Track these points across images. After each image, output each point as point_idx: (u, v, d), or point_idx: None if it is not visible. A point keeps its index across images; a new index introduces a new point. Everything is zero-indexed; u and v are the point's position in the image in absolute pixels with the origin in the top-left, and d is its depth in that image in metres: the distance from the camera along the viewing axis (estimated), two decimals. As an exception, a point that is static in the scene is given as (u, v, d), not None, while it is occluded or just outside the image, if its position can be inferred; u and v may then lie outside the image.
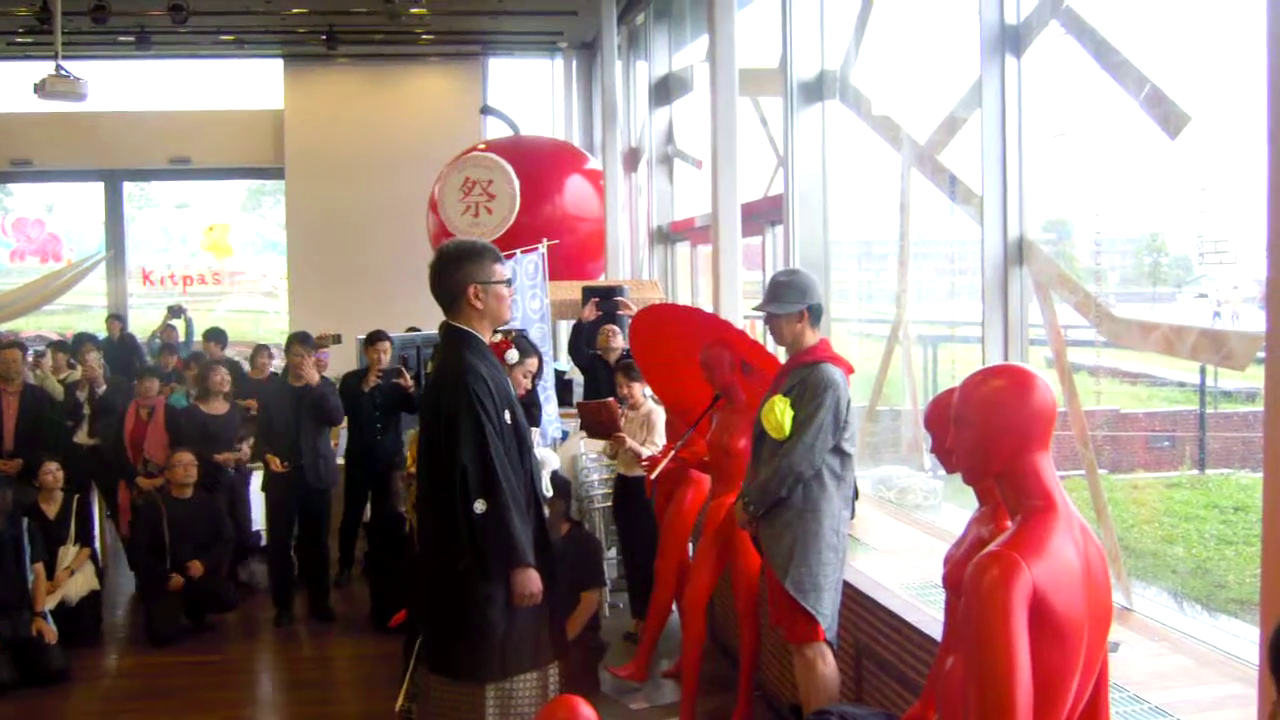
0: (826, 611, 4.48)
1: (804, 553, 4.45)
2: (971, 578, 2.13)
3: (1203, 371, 6.32)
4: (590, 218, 12.35)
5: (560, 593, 4.43)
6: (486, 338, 4.13)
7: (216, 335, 10.48)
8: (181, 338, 12.29)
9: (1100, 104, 5.21)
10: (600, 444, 7.39)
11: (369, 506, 8.53)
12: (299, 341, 7.81)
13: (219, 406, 8.23)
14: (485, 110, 15.33)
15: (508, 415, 4.01)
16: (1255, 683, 3.42)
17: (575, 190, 12.65)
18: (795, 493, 4.46)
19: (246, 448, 8.20)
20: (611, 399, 6.75)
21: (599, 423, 6.52)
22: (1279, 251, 2.89)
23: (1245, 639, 4.30)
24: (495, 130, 15.30)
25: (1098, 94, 5.09)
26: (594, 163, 13.06)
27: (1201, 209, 4.29)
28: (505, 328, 7.44)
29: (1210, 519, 6.06)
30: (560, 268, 10.32)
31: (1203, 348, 4.38)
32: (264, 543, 8.35)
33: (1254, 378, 5.52)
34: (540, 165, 12.52)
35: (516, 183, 10.83)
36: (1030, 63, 5.43)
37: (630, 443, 6.42)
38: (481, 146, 12.99)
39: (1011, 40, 5.45)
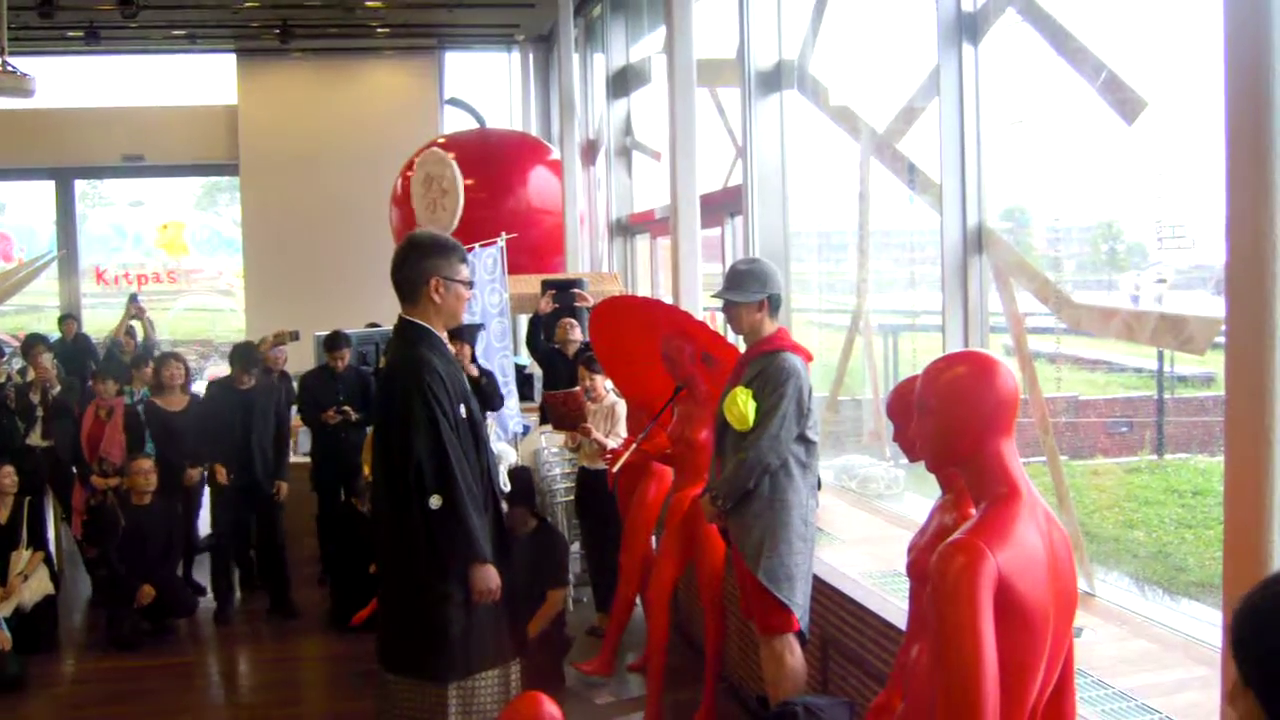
0: (799, 601, 4.46)
1: (774, 543, 4.43)
2: (937, 566, 2.12)
3: (1160, 357, 6.37)
4: (555, 210, 12.27)
5: (524, 590, 4.37)
6: (440, 335, 4.06)
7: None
8: (140, 338, 12.07)
9: (1058, 91, 5.22)
10: (562, 437, 7.35)
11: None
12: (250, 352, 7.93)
13: (177, 401, 8.06)
14: (451, 102, 15.23)
15: (463, 409, 3.94)
16: (1217, 665, 3.44)
17: (539, 183, 12.57)
18: (763, 483, 4.44)
19: (194, 472, 7.92)
20: (578, 389, 6.71)
21: (565, 414, 6.49)
22: (1238, 236, 2.90)
23: (1206, 622, 4.33)
24: (456, 123, 15.18)
25: (1055, 81, 5.10)
26: (558, 155, 12.98)
27: (1159, 194, 4.30)
28: (465, 322, 7.41)
29: (1169, 503, 6.12)
30: (524, 261, 10.25)
31: (1162, 332, 4.40)
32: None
33: (1209, 363, 5.57)
34: (504, 158, 12.45)
35: (460, 177, 10.90)
36: (987, 50, 5.44)
37: (595, 434, 6.40)
38: (441, 140, 12.91)
39: (969, 28, 5.45)
